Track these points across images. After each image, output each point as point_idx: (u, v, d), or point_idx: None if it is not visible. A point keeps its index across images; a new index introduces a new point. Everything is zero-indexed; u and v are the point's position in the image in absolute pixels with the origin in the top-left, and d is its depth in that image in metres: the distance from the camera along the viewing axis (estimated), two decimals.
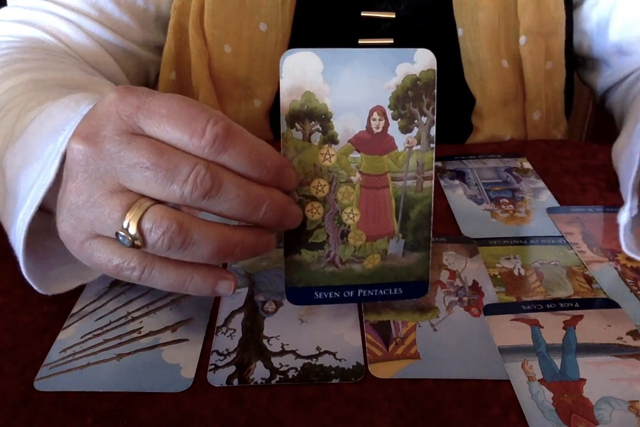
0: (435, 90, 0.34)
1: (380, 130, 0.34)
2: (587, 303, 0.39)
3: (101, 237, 0.30)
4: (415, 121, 0.34)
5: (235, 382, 0.33)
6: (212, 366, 0.34)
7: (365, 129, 0.34)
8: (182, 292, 0.32)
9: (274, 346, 0.36)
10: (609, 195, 0.51)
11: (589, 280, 0.41)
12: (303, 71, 0.32)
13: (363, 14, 0.56)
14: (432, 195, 0.36)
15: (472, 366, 0.34)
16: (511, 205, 0.50)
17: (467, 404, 0.32)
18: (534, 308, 0.38)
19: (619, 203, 0.43)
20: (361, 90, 0.33)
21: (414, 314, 0.38)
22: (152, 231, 0.28)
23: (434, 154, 0.35)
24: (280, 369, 0.34)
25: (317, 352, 0.35)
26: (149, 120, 0.29)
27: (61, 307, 0.39)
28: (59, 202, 0.31)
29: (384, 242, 0.36)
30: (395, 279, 0.37)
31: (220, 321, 0.38)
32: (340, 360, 0.35)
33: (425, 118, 0.34)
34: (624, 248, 0.42)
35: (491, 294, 0.40)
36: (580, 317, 0.38)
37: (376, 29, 0.57)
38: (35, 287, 0.36)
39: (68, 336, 0.37)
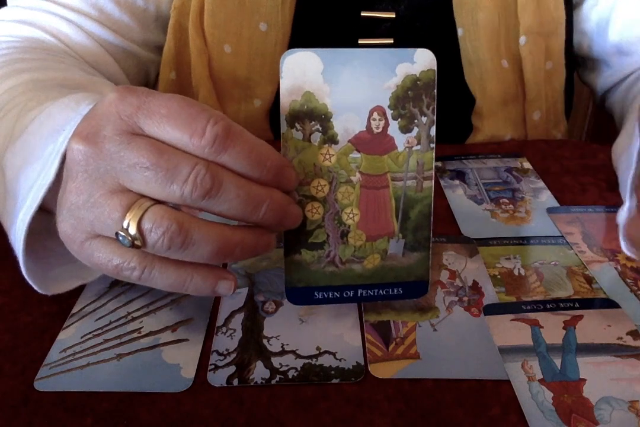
0: (435, 90, 0.34)
1: (380, 130, 0.34)
2: (587, 303, 0.39)
3: (101, 237, 0.30)
4: (415, 121, 0.34)
5: (235, 382, 0.33)
6: (212, 366, 0.34)
7: (365, 129, 0.34)
8: (182, 292, 0.32)
9: (274, 346, 0.36)
10: (609, 196, 0.51)
11: (589, 280, 0.41)
12: (303, 71, 0.32)
13: (363, 14, 0.56)
14: (432, 195, 0.36)
15: (472, 366, 0.34)
16: (511, 206, 0.50)
17: (467, 404, 0.32)
18: (534, 308, 0.38)
19: (619, 203, 0.43)
20: (361, 90, 0.33)
21: (414, 314, 0.38)
22: (152, 231, 0.28)
23: (434, 154, 0.35)
24: (280, 369, 0.34)
25: (317, 352, 0.35)
26: (149, 120, 0.29)
27: (61, 307, 0.39)
28: (59, 202, 0.31)
29: (384, 242, 0.36)
30: (395, 279, 0.37)
31: (220, 321, 0.38)
32: (340, 360, 0.35)
33: (425, 118, 0.34)
34: (623, 248, 0.42)
35: (491, 294, 0.40)
36: (580, 317, 0.38)
37: (376, 29, 0.57)
38: (35, 287, 0.36)
39: (68, 336, 0.37)
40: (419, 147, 0.35)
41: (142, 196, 0.29)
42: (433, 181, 0.35)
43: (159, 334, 0.37)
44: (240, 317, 0.38)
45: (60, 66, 0.48)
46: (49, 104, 0.36)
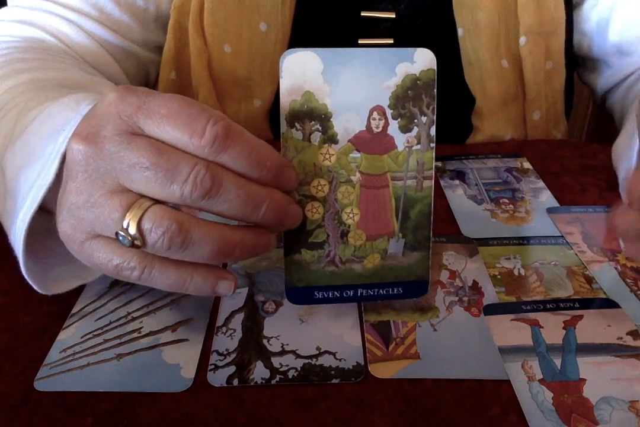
0: (435, 90, 0.34)
1: (380, 129, 0.34)
2: (587, 303, 0.39)
3: (101, 237, 0.30)
4: (415, 121, 0.34)
5: (235, 382, 0.33)
6: (212, 366, 0.34)
7: (365, 128, 0.34)
8: (182, 292, 0.32)
9: (274, 346, 0.36)
10: (609, 196, 0.51)
11: (589, 280, 0.41)
12: (303, 71, 0.32)
13: (363, 13, 0.56)
14: (432, 195, 0.36)
15: (472, 366, 0.34)
16: (511, 205, 0.50)
17: (467, 404, 0.32)
18: (534, 308, 0.38)
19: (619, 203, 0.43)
20: (361, 90, 0.33)
21: (414, 314, 0.38)
22: (152, 231, 0.28)
23: (434, 154, 0.35)
24: (280, 369, 0.34)
25: (317, 352, 0.35)
26: (149, 120, 0.29)
27: (61, 307, 0.39)
28: (59, 202, 0.31)
29: (384, 242, 0.36)
30: (395, 278, 0.37)
31: (220, 321, 0.38)
32: (340, 360, 0.35)
33: (425, 118, 0.34)
34: (622, 246, 0.42)
35: (491, 294, 0.40)
36: (580, 317, 0.38)
37: (376, 28, 0.57)
38: (35, 287, 0.36)
39: (68, 336, 0.37)
40: (418, 146, 0.35)
41: (142, 196, 0.29)
42: (433, 181, 0.35)
43: (159, 334, 0.37)
44: (240, 317, 0.38)
45: (61, 66, 0.48)
46: (49, 104, 0.36)
